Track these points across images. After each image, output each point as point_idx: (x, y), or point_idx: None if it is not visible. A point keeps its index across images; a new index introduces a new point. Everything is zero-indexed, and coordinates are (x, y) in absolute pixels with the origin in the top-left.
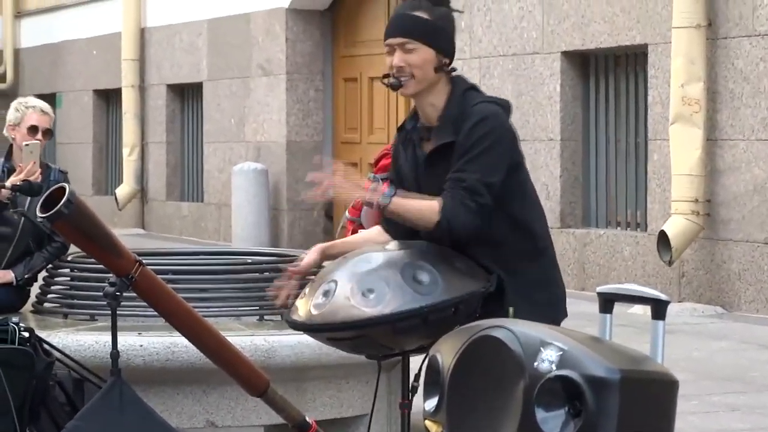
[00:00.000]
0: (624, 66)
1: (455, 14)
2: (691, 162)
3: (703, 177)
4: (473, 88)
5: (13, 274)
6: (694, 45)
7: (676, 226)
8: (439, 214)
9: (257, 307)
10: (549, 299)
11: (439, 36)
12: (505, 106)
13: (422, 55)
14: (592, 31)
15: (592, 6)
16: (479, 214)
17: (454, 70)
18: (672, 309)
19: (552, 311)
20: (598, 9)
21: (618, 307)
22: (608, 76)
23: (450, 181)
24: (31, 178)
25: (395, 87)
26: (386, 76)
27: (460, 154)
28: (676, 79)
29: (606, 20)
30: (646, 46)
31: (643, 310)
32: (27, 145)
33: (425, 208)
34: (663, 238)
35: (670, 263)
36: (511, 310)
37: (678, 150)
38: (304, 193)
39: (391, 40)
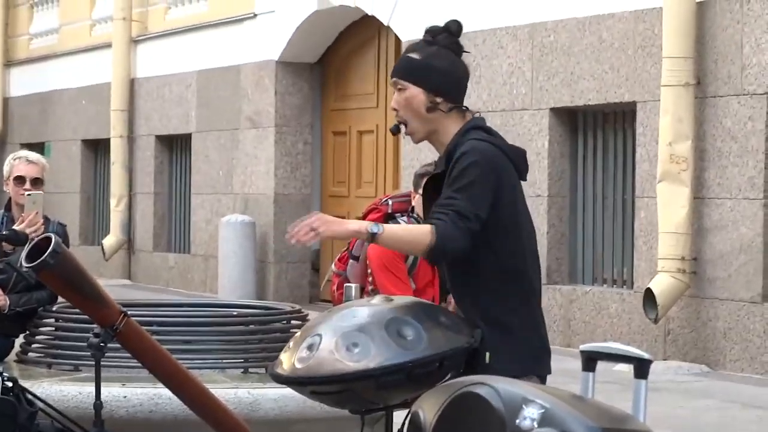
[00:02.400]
0: (612, 123)
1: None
2: (677, 220)
3: (690, 235)
4: (481, 127)
5: (8, 301)
6: (682, 103)
7: (662, 284)
8: (433, 235)
9: (242, 360)
10: (530, 352)
11: (426, 75)
12: (504, 150)
13: (410, 94)
14: (581, 88)
15: (581, 63)
16: (469, 238)
17: (460, 108)
18: (657, 367)
19: (533, 364)
20: (587, 66)
21: (603, 364)
22: (596, 133)
23: (440, 206)
24: (32, 229)
25: (393, 132)
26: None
27: (448, 184)
28: (664, 137)
29: (595, 77)
30: (634, 103)
31: (628, 368)
32: (29, 195)
33: (417, 231)
34: (649, 296)
35: (655, 321)
36: (487, 355)
37: (665, 208)
38: (289, 236)
39: (390, 81)
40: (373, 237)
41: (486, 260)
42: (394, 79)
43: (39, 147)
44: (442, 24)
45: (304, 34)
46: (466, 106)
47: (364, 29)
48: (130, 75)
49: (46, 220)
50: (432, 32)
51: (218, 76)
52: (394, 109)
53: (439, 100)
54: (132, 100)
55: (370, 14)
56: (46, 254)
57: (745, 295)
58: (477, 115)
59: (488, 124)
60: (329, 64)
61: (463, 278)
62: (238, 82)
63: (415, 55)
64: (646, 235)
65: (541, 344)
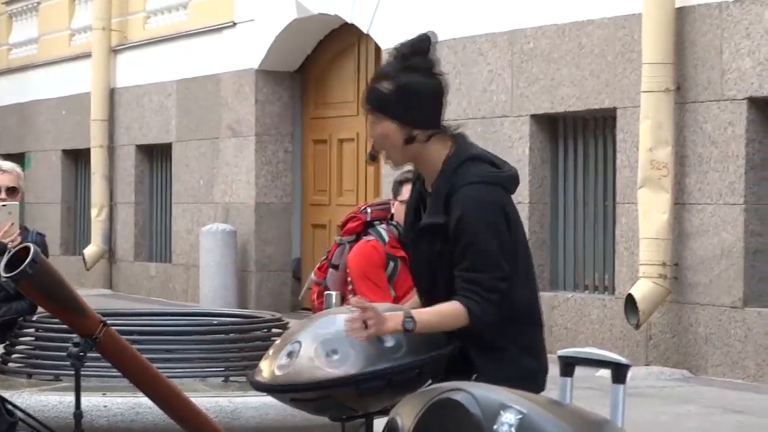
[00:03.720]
0: (593, 129)
1: (442, 77)
2: (658, 226)
3: (671, 241)
4: (472, 158)
5: None
6: (662, 109)
7: (643, 290)
8: (469, 319)
9: (222, 369)
10: (519, 372)
11: (399, 108)
12: (500, 183)
13: (384, 128)
14: (561, 95)
15: (561, 69)
16: (500, 304)
17: (444, 129)
18: (639, 372)
19: (521, 385)
20: (567, 72)
21: (584, 370)
22: (577, 139)
23: (465, 282)
24: (8, 239)
25: (370, 158)
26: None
27: (462, 251)
28: (645, 143)
29: (575, 84)
30: (614, 109)
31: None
32: (4, 205)
33: (451, 317)
34: (630, 302)
35: (637, 327)
36: (474, 378)
37: (646, 213)
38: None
39: (363, 108)
40: (408, 332)
41: None
42: (366, 109)
43: (19, 157)
44: (414, 35)
45: (283, 43)
46: (443, 126)
47: (344, 37)
48: (110, 84)
49: (25, 230)
50: (402, 55)
51: (198, 85)
52: (371, 137)
53: (416, 132)
54: (112, 109)
55: (349, 22)
56: (24, 264)
57: (726, 300)
58: (458, 130)
59: (469, 131)
60: (309, 73)
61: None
62: (218, 91)
63: (386, 86)
64: (627, 241)
65: (536, 365)
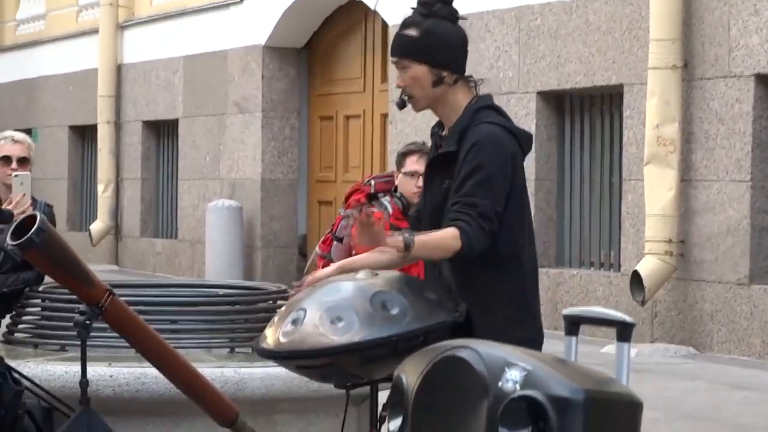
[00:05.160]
0: (599, 106)
1: (461, 21)
2: (665, 202)
3: (677, 217)
4: (491, 107)
5: None
6: (669, 86)
7: (649, 267)
8: (461, 241)
9: (228, 339)
10: (520, 338)
11: (428, 51)
12: (517, 135)
13: (415, 72)
14: (568, 71)
15: (568, 46)
16: (491, 238)
17: (467, 78)
18: (644, 349)
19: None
20: (574, 49)
21: (591, 347)
22: (583, 116)
23: (462, 205)
24: (20, 210)
25: (399, 107)
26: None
27: (466, 175)
28: (651, 120)
29: (582, 60)
30: (621, 86)
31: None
32: (16, 176)
33: (445, 238)
34: (636, 279)
35: (643, 303)
36: None
37: (652, 190)
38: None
39: (392, 60)
40: (407, 248)
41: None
42: (396, 58)
43: (26, 133)
44: None
45: (290, 19)
46: (470, 75)
47: (351, 14)
48: (117, 61)
49: (33, 200)
50: (426, 4)
51: (205, 61)
52: (399, 86)
53: (444, 73)
54: (119, 85)
55: None
56: (31, 232)
57: (732, 277)
58: (480, 82)
59: None
60: (316, 49)
61: (459, 262)
62: (225, 68)
63: (412, 32)
64: (633, 218)
65: (530, 335)
